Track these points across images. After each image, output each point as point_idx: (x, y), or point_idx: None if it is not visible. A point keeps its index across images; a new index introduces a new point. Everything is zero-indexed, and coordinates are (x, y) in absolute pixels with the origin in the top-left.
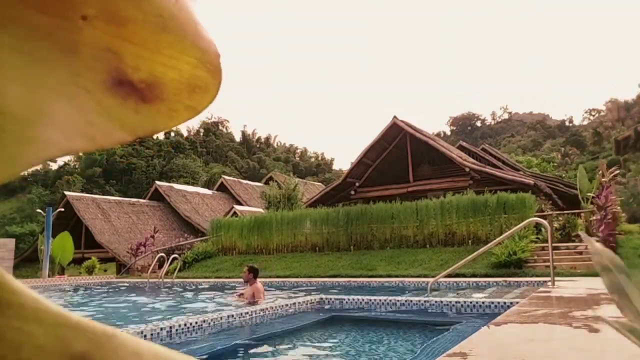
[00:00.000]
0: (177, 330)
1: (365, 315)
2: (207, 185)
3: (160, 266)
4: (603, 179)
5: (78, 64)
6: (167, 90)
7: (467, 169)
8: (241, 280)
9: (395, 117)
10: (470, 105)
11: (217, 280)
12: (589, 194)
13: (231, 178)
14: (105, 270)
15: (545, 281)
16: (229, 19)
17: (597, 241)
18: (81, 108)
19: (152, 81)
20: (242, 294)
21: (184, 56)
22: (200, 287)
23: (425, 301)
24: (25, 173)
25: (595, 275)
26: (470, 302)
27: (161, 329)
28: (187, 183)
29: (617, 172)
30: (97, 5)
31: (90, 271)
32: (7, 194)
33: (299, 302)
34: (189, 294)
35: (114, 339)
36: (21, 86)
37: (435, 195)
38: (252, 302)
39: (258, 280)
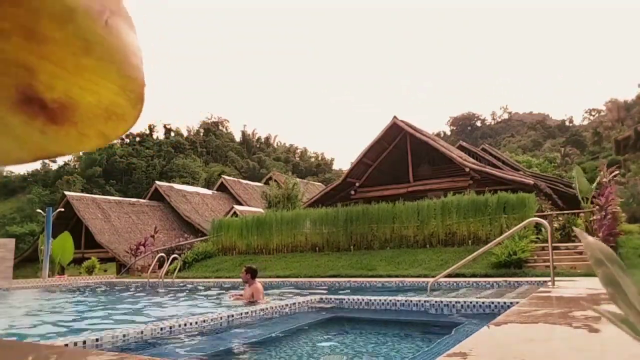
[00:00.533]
0: (177, 330)
1: (365, 315)
2: (207, 185)
3: (160, 266)
4: (603, 179)
5: None
6: (82, 113)
7: (467, 169)
8: (241, 280)
9: (395, 117)
10: (470, 105)
11: (217, 280)
12: (589, 194)
13: (231, 178)
14: (105, 270)
15: (545, 281)
16: (229, 18)
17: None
18: None
19: (66, 102)
20: (238, 295)
21: (105, 82)
22: (200, 287)
23: (425, 301)
24: (25, 173)
25: (595, 275)
26: (470, 302)
27: (161, 329)
28: (187, 183)
29: (617, 172)
30: (14, 20)
31: (90, 271)
32: (7, 194)
33: (299, 302)
34: (189, 294)
35: None
36: None
37: (436, 195)
38: (252, 303)
39: (257, 280)
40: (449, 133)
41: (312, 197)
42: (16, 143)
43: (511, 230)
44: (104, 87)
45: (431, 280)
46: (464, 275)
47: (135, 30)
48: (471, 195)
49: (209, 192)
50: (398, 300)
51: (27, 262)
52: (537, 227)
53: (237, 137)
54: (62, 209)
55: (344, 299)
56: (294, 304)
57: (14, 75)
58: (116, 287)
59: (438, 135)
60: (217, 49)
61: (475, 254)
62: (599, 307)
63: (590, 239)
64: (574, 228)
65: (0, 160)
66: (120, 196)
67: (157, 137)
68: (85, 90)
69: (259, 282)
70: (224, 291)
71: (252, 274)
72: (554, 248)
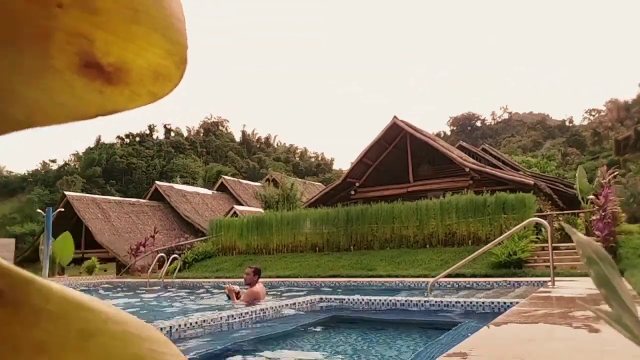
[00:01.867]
0: (177, 330)
1: (365, 316)
2: (207, 185)
3: (160, 266)
4: (603, 180)
5: (51, 47)
6: (133, 75)
7: (467, 169)
8: (241, 280)
9: (395, 117)
10: (470, 105)
11: (217, 280)
12: (589, 194)
13: (231, 178)
14: (105, 270)
15: (545, 281)
16: (228, 13)
17: (597, 241)
18: (47, 86)
19: (120, 66)
20: (237, 291)
21: (152, 47)
22: (200, 287)
23: (425, 301)
24: (25, 173)
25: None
26: (470, 302)
27: (161, 328)
28: (187, 183)
29: (617, 172)
30: None
31: (90, 271)
32: (7, 194)
33: (299, 302)
34: (189, 294)
35: (31, 283)
36: None
37: (435, 195)
38: (252, 304)
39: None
40: (449, 133)
41: (312, 197)
42: (80, 102)
43: (511, 230)
44: (152, 52)
45: (431, 280)
46: (464, 275)
47: None
48: (470, 195)
49: (209, 192)
50: (398, 301)
51: (27, 262)
52: (537, 227)
53: (237, 137)
54: (62, 209)
55: (344, 299)
56: (294, 304)
57: (76, 44)
58: (116, 287)
59: (438, 135)
60: (216, 49)
61: (475, 254)
62: (596, 307)
63: (582, 236)
64: (564, 224)
65: (68, 116)
66: (120, 196)
67: (157, 137)
68: (136, 55)
69: (261, 284)
70: (223, 291)
71: (259, 275)
72: (554, 248)
